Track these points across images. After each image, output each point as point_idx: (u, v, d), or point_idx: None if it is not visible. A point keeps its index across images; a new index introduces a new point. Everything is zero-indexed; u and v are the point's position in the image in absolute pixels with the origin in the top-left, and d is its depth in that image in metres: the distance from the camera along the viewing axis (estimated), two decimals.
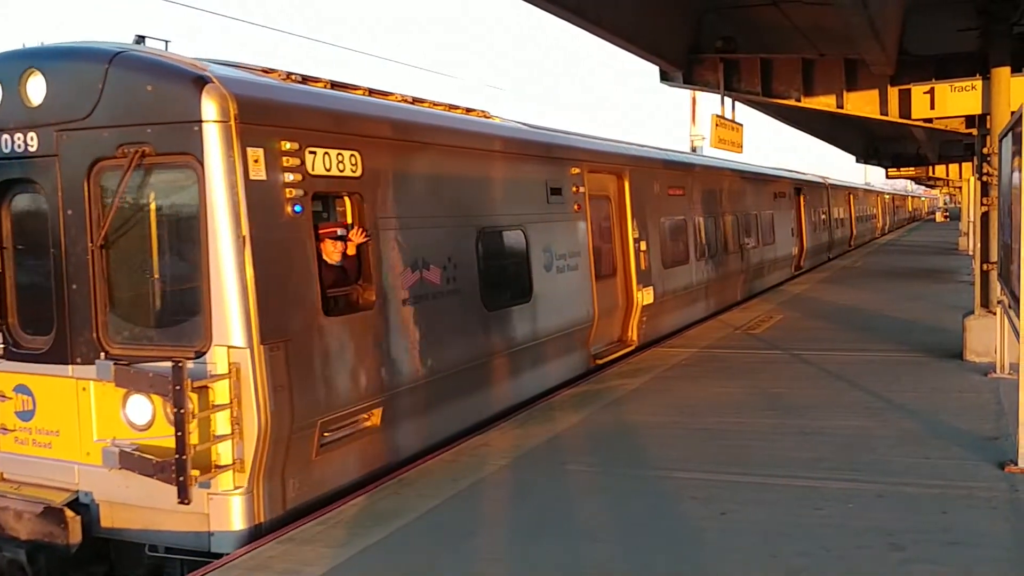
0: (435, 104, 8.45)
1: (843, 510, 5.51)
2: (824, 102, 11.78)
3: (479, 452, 7.11)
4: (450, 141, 8.06)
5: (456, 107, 8.84)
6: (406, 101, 7.96)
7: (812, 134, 25.08)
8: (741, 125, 12.29)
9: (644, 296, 11.76)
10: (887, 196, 56.23)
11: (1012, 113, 8.45)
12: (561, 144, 10.48)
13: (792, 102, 11.89)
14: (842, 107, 11.71)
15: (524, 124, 10.30)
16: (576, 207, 10.18)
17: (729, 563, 4.81)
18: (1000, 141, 8.93)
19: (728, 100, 12.19)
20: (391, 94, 7.87)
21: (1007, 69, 10.03)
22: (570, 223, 10.07)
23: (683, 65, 11.82)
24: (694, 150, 19.55)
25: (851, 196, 37.08)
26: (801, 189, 25.13)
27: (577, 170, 10.28)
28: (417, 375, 7.12)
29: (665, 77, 11.93)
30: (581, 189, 10.30)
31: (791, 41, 12.54)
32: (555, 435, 7.59)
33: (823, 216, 29.15)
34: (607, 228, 11.52)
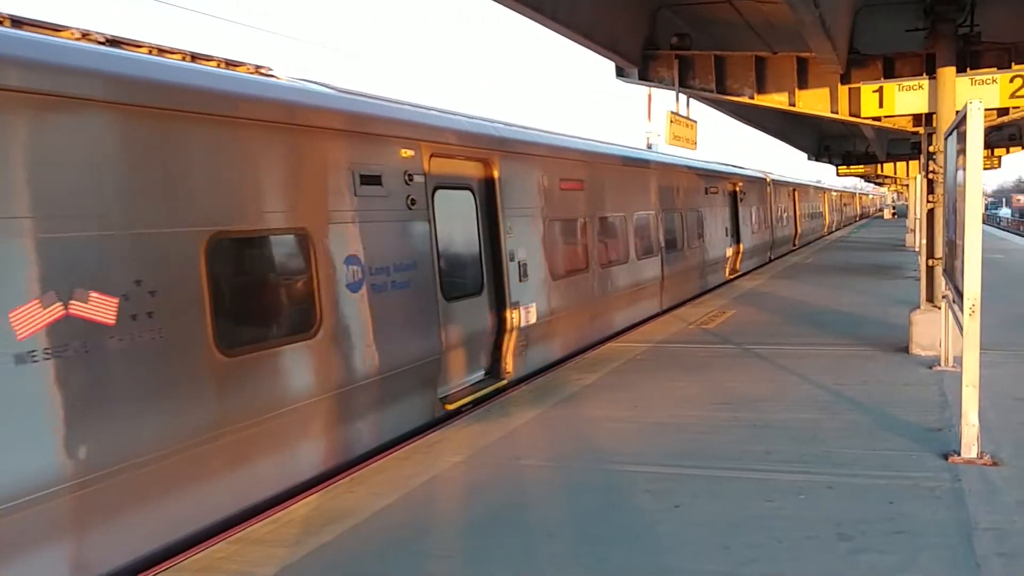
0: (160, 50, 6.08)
1: (794, 502, 5.59)
2: (776, 100, 11.93)
3: (433, 449, 7.08)
4: (141, 98, 5.26)
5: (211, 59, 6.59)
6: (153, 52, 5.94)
7: (765, 132, 25.26)
8: (695, 122, 12.39)
9: (522, 316, 9.81)
10: (834, 193, 55.90)
11: (956, 112, 8.64)
12: (382, 116, 7.92)
13: (745, 99, 12.01)
14: (794, 105, 11.87)
15: (327, 87, 7.66)
16: (410, 203, 7.83)
17: (682, 555, 4.85)
18: (945, 140, 9.14)
19: (683, 97, 12.29)
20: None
21: (952, 69, 10.26)
22: (397, 224, 7.70)
23: (639, 61, 11.88)
24: (649, 147, 19.47)
25: (795, 193, 35.83)
26: (739, 185, 23.51)
27: (411, 152, 7.91)
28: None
29: (621, 73, 11.97)
30: (417, 178, 8.01)
31: (745, 38, 12.68)
32: (510, 431, 7.59)
33: (764, 214, 27.70)
34: (467, 231, 9.22)
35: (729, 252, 22.08)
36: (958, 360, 6.98)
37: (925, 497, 5.57)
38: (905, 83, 10.54)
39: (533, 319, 10.09)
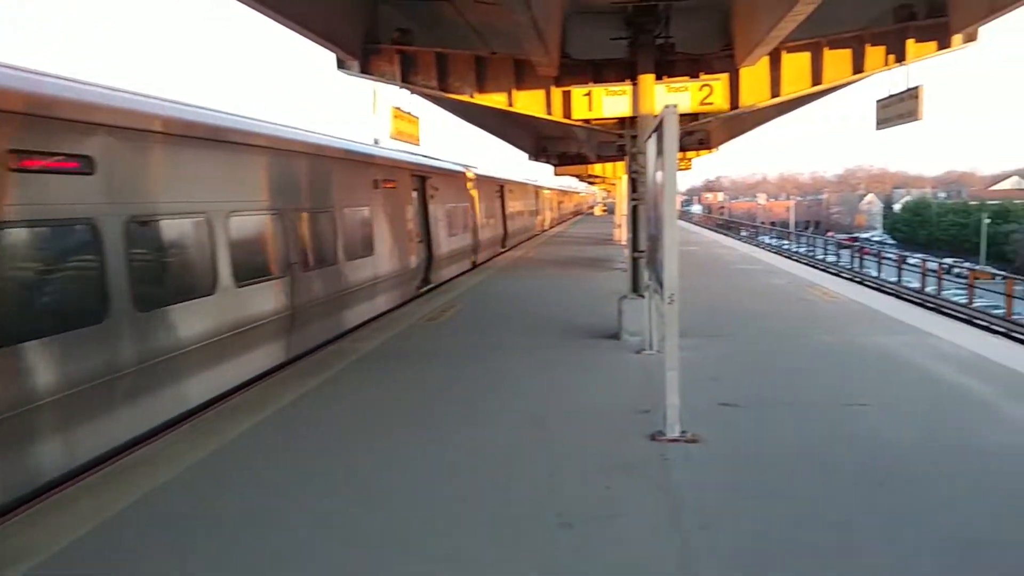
0: None
1: (516, 494, 5.66)
2: (496, 99, 12.22)
3: (132, 474, 6.34)
4: None
5: None
6: None
7: (488, 131, 25.94)
8: (418, 118, 12.36)
9: None
10: (547, 191, 56.11)
11: (655, 117, 9.36)
12: None
13: (467, 97, 12.17)
14: (512, 105, 12.22)
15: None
16: None
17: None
18: (646, 142, 9.86)
19: (406, 92, 12.19)
20: None
21: (651, 76, 11.10)
22: None
23: (360, 54, 11.60)
24: (376, 142, 18.67)
25: (504, 189, 33.18)
26: (430, 179, 19.88)
27: None
28: None
29: (342, 65, 11.60)
30: None
31: (466, 38, 12.85)
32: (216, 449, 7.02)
33: (466, 213, 24.59)
34: None
35: (414, 260, 17.98)
36: (662, 344, 7.50)
37: (637, 478, 5.90)
38: (611, 88, 11.23)
39: None
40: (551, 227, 54.34)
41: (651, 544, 4.84)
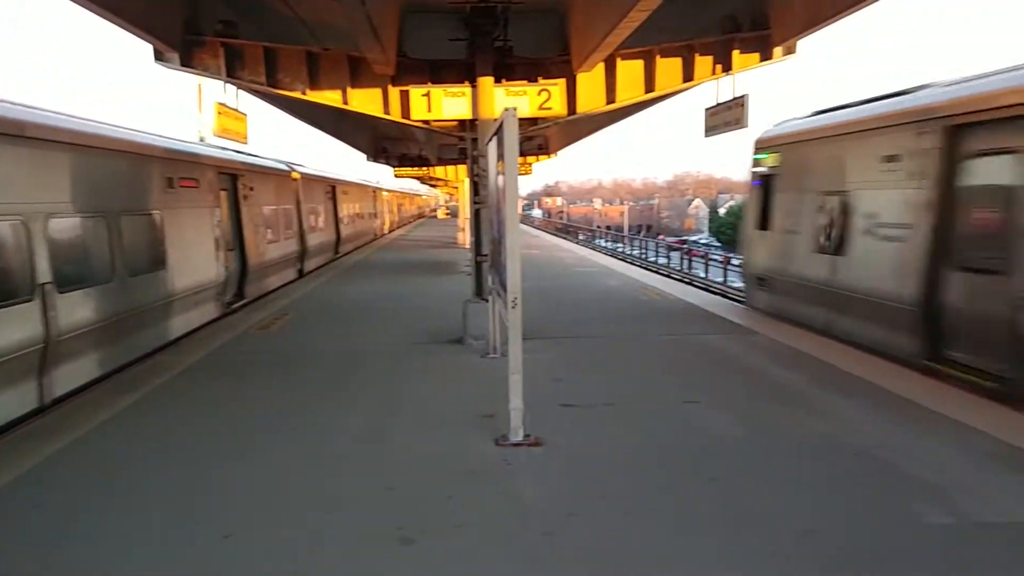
0: None
1: (353, 511, 5.37)
2: (330, 97, 11.80)
3: None
4: None
5: None
6: None
7: (323, 130, 25.11)
8: (245, 115, 11.74)
9: None
10: (386, 193, 53.88)
11: (495, 120, 9.30)
12: None
13: (298, 94, 11.68)
14: (347, 103, 11.85)
15: None
16: None
17: None
18: (487, 145, 9.79)
19: (232, 88, 11.55)
20: None
21: (490, 79, 11.06)
22: None
23: (179, 46, 10.86)
24: (202, 139, 17.36)
25: (337, 191, 30.78)
26: (240, 177, 17.33)
27: None
28: None
29: (160, 58, 10.83)
30: None
31: (296, 33, 12.36)
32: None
33: (289, 216, 22.19)
34: None
35: (222, 272, 15.76)
36: (506, 348, 7.41)
37: (482, 485, 5.75)
38: (450, 89, 11.09)
39: None
40: (392, 231, 53.59)
41: (495, 555, 4.70)
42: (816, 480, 5.73)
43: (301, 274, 23.52)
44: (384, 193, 52.32)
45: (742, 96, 11.42)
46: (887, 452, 6.23)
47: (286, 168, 22.90)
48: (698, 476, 5.84)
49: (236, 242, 17.11)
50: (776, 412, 7.45)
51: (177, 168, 13.64)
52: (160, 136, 13.93)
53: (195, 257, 14.28)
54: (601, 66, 12.11)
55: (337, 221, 30.60)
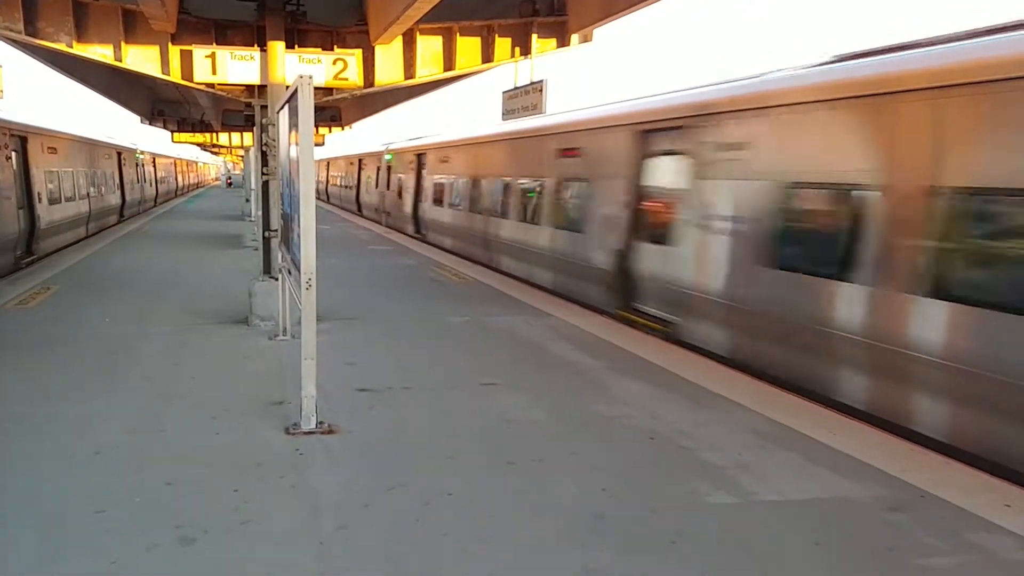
0: None
1: (125, 510, 4.86)
2: (100, 52, 10.66)
3: None
4: None
5: None
6: None
7: (94, 89, 22.91)
8: (1, 66, 10.37)
9: None
10: (164, 159, 49.29)
11: (288, 87, 8.78)
12: None
13: (63, 47, 10.45)
14: (121, 60, 10.77)
15: None
16: None
17: None
18: (278, 113, 9.24)
19: None
20: None
21: (282, 44, 10.46)
22: None
23: None
24: None
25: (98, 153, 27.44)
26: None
27: None
28: None
29: None
30: None
31: None
32: None
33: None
34: None
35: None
36: (297, 330, 7.06)
37: (270, 478, 5.42)
38: (237, 52, 10.41)
39: None
40: (172, 198, 50.03)
41: (285, 553, 4.42)
42: (609, 462, 5.91)
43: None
44: (163, 159, 48.44)
45: (540, 81, 11.58)
46: (674, 433, 6.55)
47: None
48: (497, 461, 5.84)
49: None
50: (572, 394, 7.63)
51: None
52: None
53: None
54: (400, 40, 11.82)
55: (88, 192, 25.58)
